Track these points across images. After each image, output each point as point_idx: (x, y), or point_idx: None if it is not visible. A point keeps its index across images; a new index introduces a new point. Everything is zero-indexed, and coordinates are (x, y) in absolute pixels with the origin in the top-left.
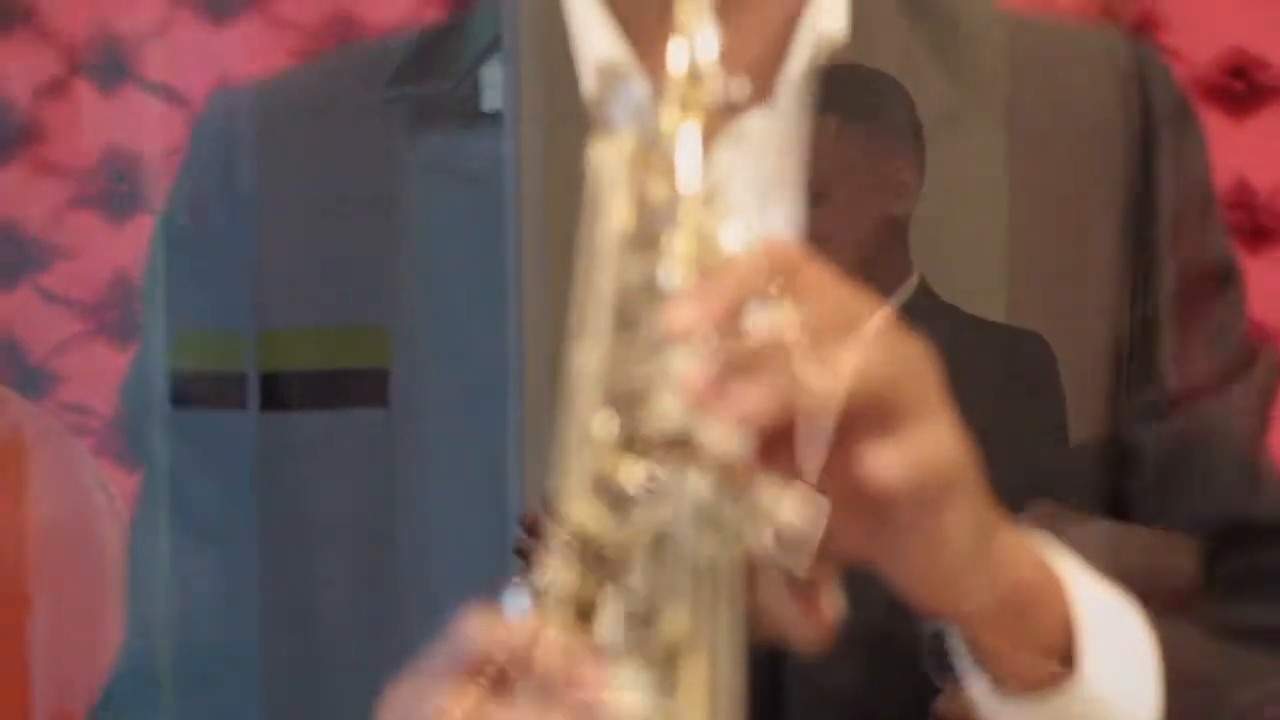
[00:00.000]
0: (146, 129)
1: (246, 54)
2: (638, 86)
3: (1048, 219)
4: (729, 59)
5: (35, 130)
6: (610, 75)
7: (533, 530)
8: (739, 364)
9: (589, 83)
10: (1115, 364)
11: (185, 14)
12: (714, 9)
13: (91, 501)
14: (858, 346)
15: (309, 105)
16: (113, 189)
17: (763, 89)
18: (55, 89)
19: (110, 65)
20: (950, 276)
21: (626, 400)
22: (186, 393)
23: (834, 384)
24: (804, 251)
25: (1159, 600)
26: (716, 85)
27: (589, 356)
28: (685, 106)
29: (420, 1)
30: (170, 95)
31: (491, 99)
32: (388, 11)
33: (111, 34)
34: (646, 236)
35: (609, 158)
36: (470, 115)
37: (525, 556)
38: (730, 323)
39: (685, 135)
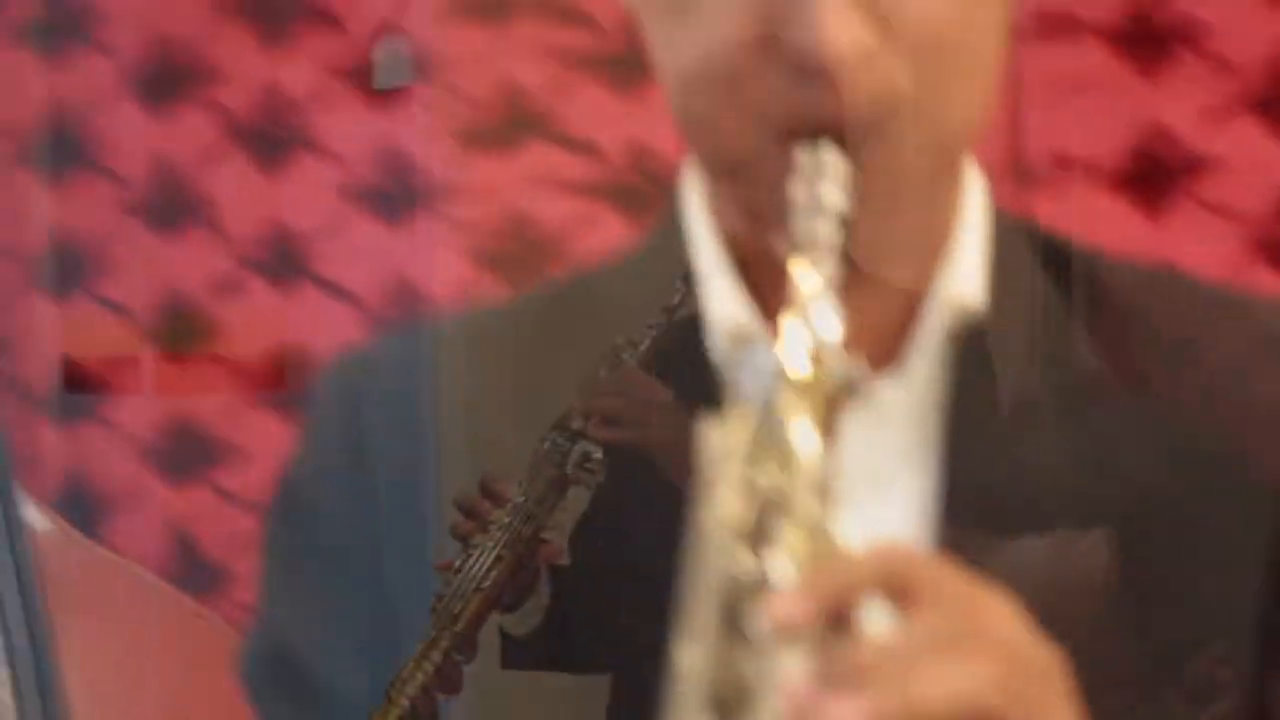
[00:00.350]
0: (320, 326)
1: (420, 252)
2: (766, 354)
3: (1190, 503)
4: (857, 322)
5: (211, 327)
6: (740, 340)
7: (469, 512)
8: (846, 673)
9: (719, 345)
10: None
11: (358, 212)
12: (835, 285)
13: None
14: (977, 663)
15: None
16: (287, 387)
17: (893, 354)
18: (229, 286)
19: (283, 262)
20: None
21: (731, 703)
22: None
23: (946, 705)
24: (924, 554)
25: None
26: (835, 368)
27: (694, 655)
28: (801, 390)
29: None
30: (343, 293)
31: None
32: (559, 208)
33: (285, 231)
34: (758, 528)
35: (720, 444)
36: None
37: (462, 539)
38: (840, 624)
39: (799, 422)
